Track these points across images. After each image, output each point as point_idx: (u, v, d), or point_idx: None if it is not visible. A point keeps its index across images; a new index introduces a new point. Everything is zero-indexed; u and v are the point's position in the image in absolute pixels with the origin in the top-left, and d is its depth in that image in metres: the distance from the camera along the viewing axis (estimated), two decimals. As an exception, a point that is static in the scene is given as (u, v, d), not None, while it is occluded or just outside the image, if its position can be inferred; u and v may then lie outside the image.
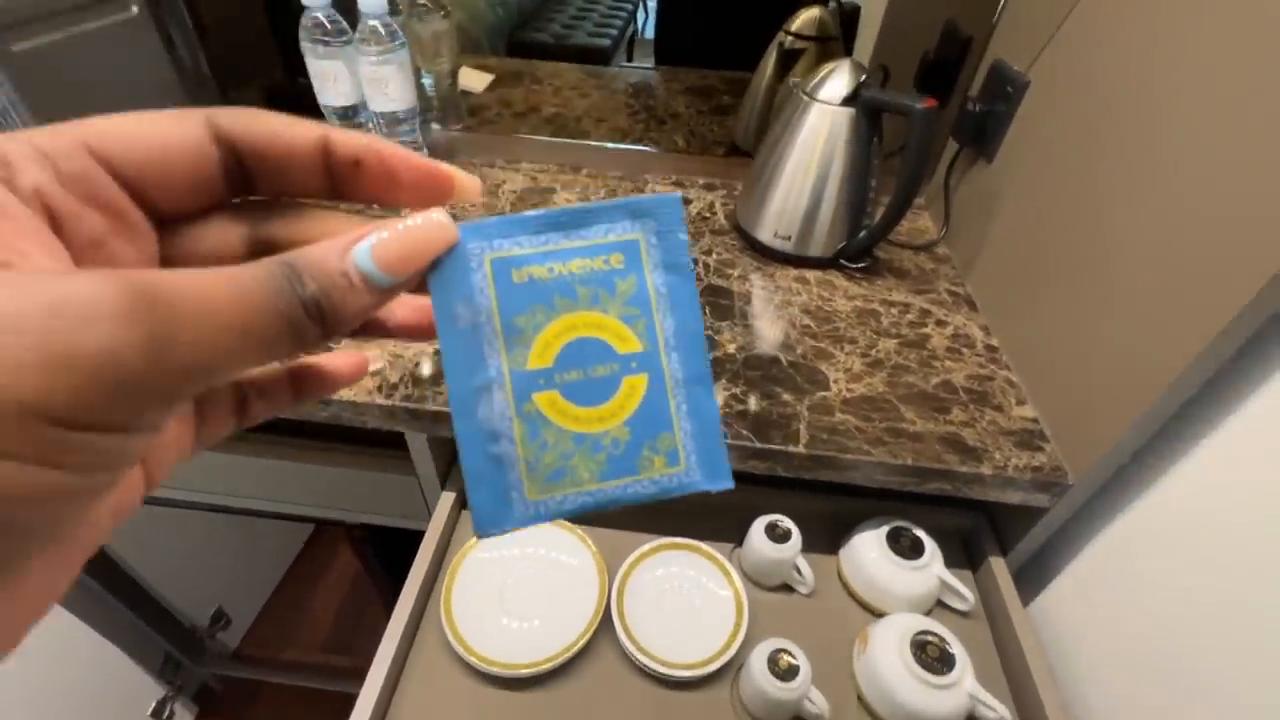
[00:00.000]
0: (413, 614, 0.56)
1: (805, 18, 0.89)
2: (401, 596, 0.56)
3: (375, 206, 0.21)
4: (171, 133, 0.16)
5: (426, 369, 0.61)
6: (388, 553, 1.15)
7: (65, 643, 0.96)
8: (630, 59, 2.19)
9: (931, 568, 0.59)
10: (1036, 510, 0.58)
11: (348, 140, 0.18)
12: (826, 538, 0.65)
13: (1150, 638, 0.49)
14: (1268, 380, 0.43)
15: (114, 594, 0.99)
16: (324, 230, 0.19)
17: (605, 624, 0.56)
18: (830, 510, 0.66)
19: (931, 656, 0.51)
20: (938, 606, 0.61)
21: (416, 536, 0.62)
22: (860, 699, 0.54)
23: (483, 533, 0.20)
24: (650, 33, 1.68)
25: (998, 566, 0.61)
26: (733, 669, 0.56)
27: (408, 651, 0.56)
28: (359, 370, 0.23)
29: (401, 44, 0.79)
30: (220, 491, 0.78)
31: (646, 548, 0.61)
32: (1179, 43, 0.49)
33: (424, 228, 0.18)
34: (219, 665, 1.23)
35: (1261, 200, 0.41)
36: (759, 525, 0.59)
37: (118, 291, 0.12)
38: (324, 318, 0.15)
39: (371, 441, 0.71)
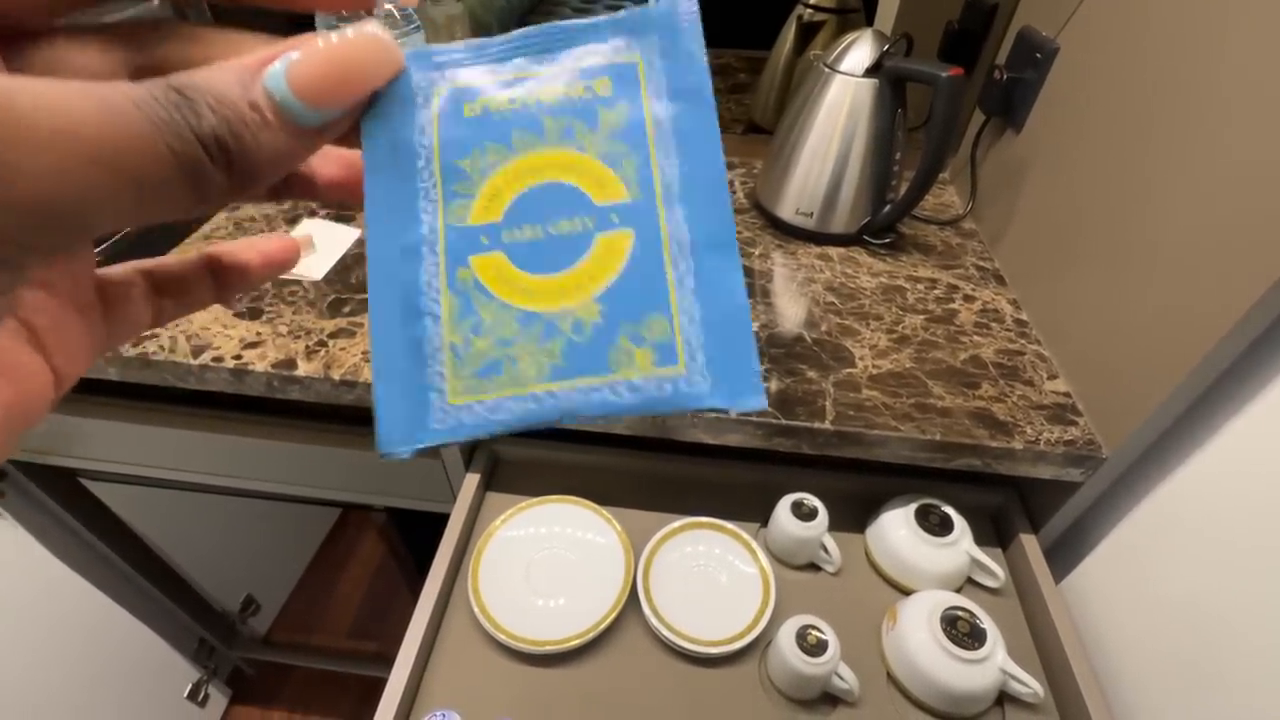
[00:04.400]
0: (441, 593, 0.56)
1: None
2: (429, 575, 0.57)
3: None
4: None
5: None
6: (412, 536, 1.17)
7: (102, 626, 0.98)
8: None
9: (961, 544, 0.58)
10: (1069, 485, 0.57)
11: None
12: (853, 516, 0.64)
13: (1189, 611, 0.48)
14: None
15: (148, 579, 1.02)
16: (228, 53, 0.14)
17: (632, 602, 0.56)
18: (857, 488, 0.65)
19: (962, 631, 0.51)
20: (967, 584, 0.60)
21: (440, 519, 0.62)
22: (889, 675, 0.54)
23: (386, 450, 0.15)
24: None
25: (1028, 543, 0.60)
26: (760, 646, 0.55)
27: (437, 629, 0.56)
28: (287, 255, 0.19)
29: (417, 28, 0.79)
30: (247, 476, 0.79)
31: (672, 526, 0.61)
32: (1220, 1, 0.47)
33: (356, 46, 0.14)
34: (251, 650, 1.26)
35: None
36: (785, 504, 0.59)
37: None
38: (230, 161, 0.12)
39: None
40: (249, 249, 0.19)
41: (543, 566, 0.59)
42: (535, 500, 0.63)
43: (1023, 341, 0.64)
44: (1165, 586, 0.51)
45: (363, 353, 0.60)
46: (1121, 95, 0.56)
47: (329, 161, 0.17)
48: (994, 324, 0.66)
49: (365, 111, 0.16)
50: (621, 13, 0.16)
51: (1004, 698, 0.52)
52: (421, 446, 0.15)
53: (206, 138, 0.12)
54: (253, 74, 0.12)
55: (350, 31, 0.14)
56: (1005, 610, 0.58)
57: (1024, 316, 0.67)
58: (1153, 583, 0.52)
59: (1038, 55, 0.68)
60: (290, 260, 0.19)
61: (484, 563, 0.58)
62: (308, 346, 0.61)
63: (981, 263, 0.75)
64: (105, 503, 0.90)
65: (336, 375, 0.58)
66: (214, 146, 0.12)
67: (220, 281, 0.18)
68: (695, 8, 0.16)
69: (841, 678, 0.51)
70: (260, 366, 0.59)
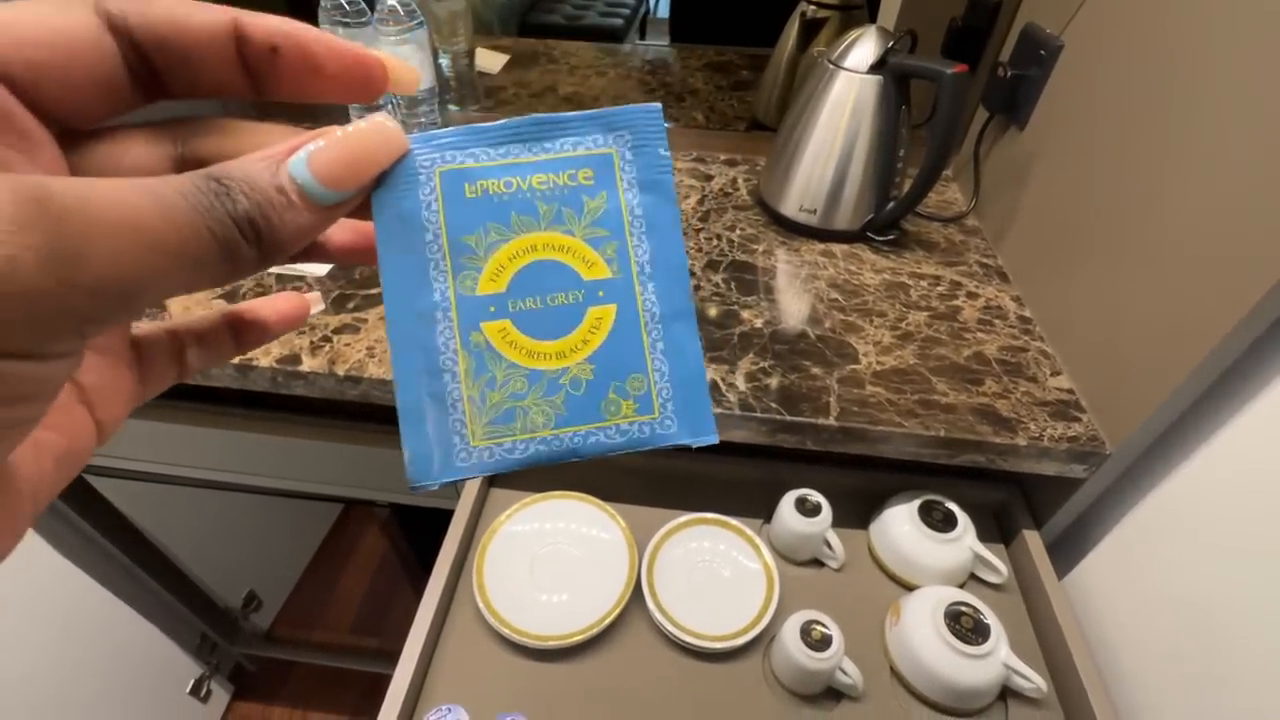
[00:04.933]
0: (445, 588, 0.56)
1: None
2: (434, 571, 0.57)
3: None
4: (57, 21, 0.14)
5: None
6: (414, 533, 1.17)
7: (106, 622, 0.99)
8: (643, 37, 2.17)
9: (964, 540, 0.58)
10: (1072, 482, 0.57)
11: (261, 23, 0.15)
12: (856, 512, 0.65)
13: (1191, 609, 0.48)
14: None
15: (151, 575, 1.02)
16: (257, 144, 0.16)
17: (636, 597, 0.57)
18: (860, 485, 0.66)
19: (965, 627, 0.51)
20: (970, 580, 0.60)
21: (443, 516, 0.62)
22: (893, 670, 0.54)
23: (416, 484, 0.18)
24: (663, 12, 1.66)
25: (1031, 539, 0.60)
26: (764, 641, 0.56)
27: (442, 624, 0.56)
28: (300, 313, 0.21)
29: (420, 23, 0.79)
30: (249, 471, 0.79)
31: (676, 522, 0.61)
32: (1227, -6, 0.47)
33: (367, 134, 0.16)
34: (252, 645, 1.26)
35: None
36: (788, 500, 0.59)
37: (2, 193, 0.10)
38: (260, 238, 0.14)
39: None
40: (266, 307, 0.21)
41: (547, 562, 0.59)
42: (539, 496, 0.63)
43: (1026, 338, 0.64)
44: (1167, 584, 0.51)
45: (367, 348, 0.61)
46: (1126, 92, 0.57)
47: (341, 229, 0.20)
48: (997, 321, 0.66)
49: (375, 188, 0.18)
50: (601, 110, 0.19)
51: (1007, 692, 0.52)
52: (448, 481, 0.18)
53: (241, 220, 0.13)
54: (279, 163, 0.14)
55: (363, 122, 0.16)
56: (1008, 606, 0.58)
57: (1027, 313, 0.67)
58: (1155, 580, 0.52)
59: (1042, 52, 0.68)
60: (302, 316, 0.22)
61: (489, 558, 0.58)
62: (312, 342, 0.61)
63: (985, 260, 0.75)
64: (109, 499, 0.90)
65: (341, 371, 0.58)
66: (247, 227, 0.13)
67: (240, 337, 0.21)
68: (659, 110, 0.19)
69: (845, 672, 0.51)
70: (265, 362, 0.59)
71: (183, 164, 0.16)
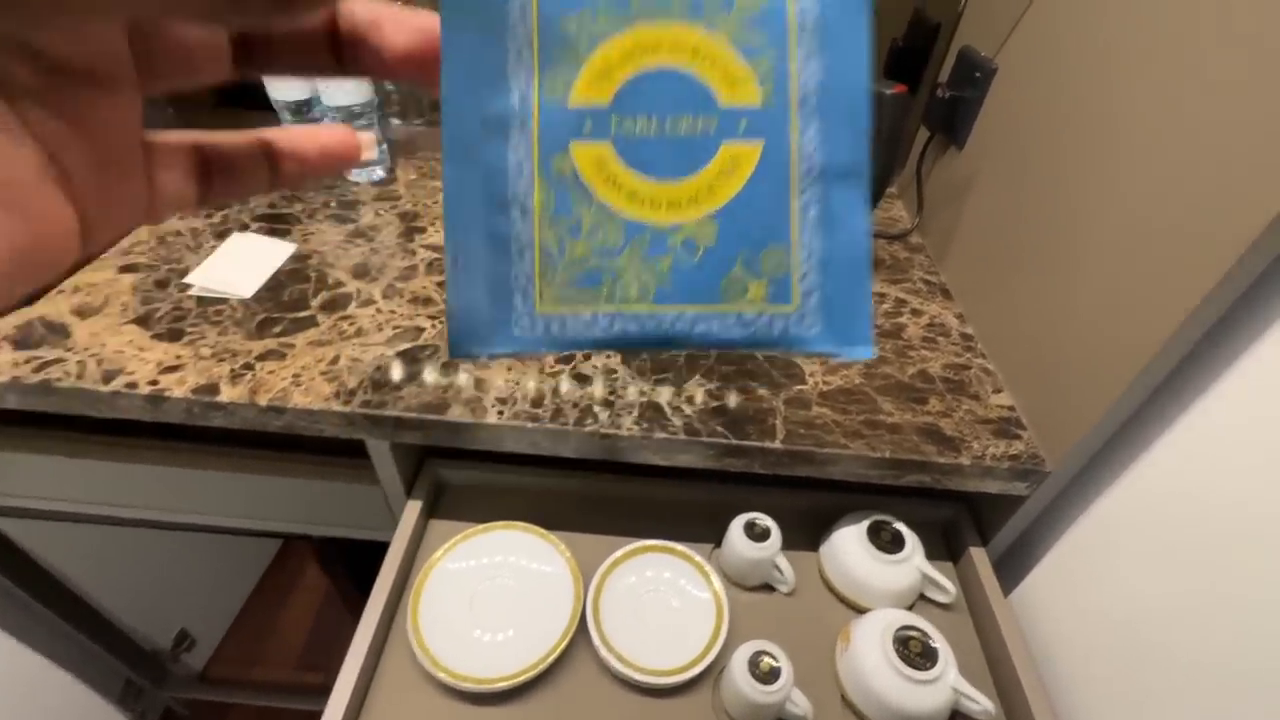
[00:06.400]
0: (379, 629, 0.53)
1: None
2: (366, 612, 0.54)
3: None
4: None
5: (388, 372, 0.58)
6: (357, 566, 1.12)
7: (16, 676, 0.90)
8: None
9: (913, 561, 0.58)
10: (1015, 499, 0.57)
11: None
12: (806, 534, 0.64)
13: (1127, 622, 0.49)
14: (1235, 363, 0.43)
15: (66, 621, 0.94)
16: None
17: (582, 632, 0.54)
18: (809, 506, 0.65)
19: (914, 652, 0.50)
20: (920, 600, 0.60)
21: (385, 548, 0.59)
22: (844, 698, 0.53)
23: (460, 351, 0.14)
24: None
25: (978, 557, 0.60)
26: (714, 673, 0.54)
27: (374, 669, 0.53)
28: (347, 150, 0.17)
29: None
30: (168, 508, 0.74)
31: (622, 551, 0.59)
32: (1142, 23, 0.48)
33: None
34: (184, 688, 1.18)
35: (1226, 185, 0.40)
36: (737, 524, 0.58)
37: None
38: None
39: (332, 451, 0.67)
40: (308, 138, 0.17)
41: (487, 599, 0.56)
42: (480, 528, 0.60)
43: (969, 355, 0.65)
44: (1104, 599, 0.51)
45: (293, 376, 0.57)
46: (1054, 115, 0.58)
47: (401, 29, 0.15)
48: (941, 338, 0.67)
49: None
50: None
51: (956, 716, 0.52)
52: (501, 353, 0.13)
53: None
54: None
55: None
56: (957, 625, 0.58)
57: (970, 330, 0.68)
58: (1092, 595, 0.53)
59: (977, 74, 0.70)
60: (350, 158, 0.17)
61: (425, 597, 0.55)
62: (233, 370, 0.57)
63: (929, 276, 0.76)
64: (12, 538, 0.83)
65: (263, 401, 0.55)
66: None
67: (275, 169, 0.17)
68: None
69: (795, 704, 0.50)
70: (179, 392, 0.55)
71: None
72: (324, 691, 0.49)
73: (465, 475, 0.66)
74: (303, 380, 0.57)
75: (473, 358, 0.13)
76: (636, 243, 0.13)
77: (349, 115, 0.80)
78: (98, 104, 0.14)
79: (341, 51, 0.15)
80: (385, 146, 0.87)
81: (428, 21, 0.15)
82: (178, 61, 0.14)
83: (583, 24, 0.13)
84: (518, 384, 0.57)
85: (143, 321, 0.61)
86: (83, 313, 0.62)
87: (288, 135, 0.17)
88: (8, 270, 0.12)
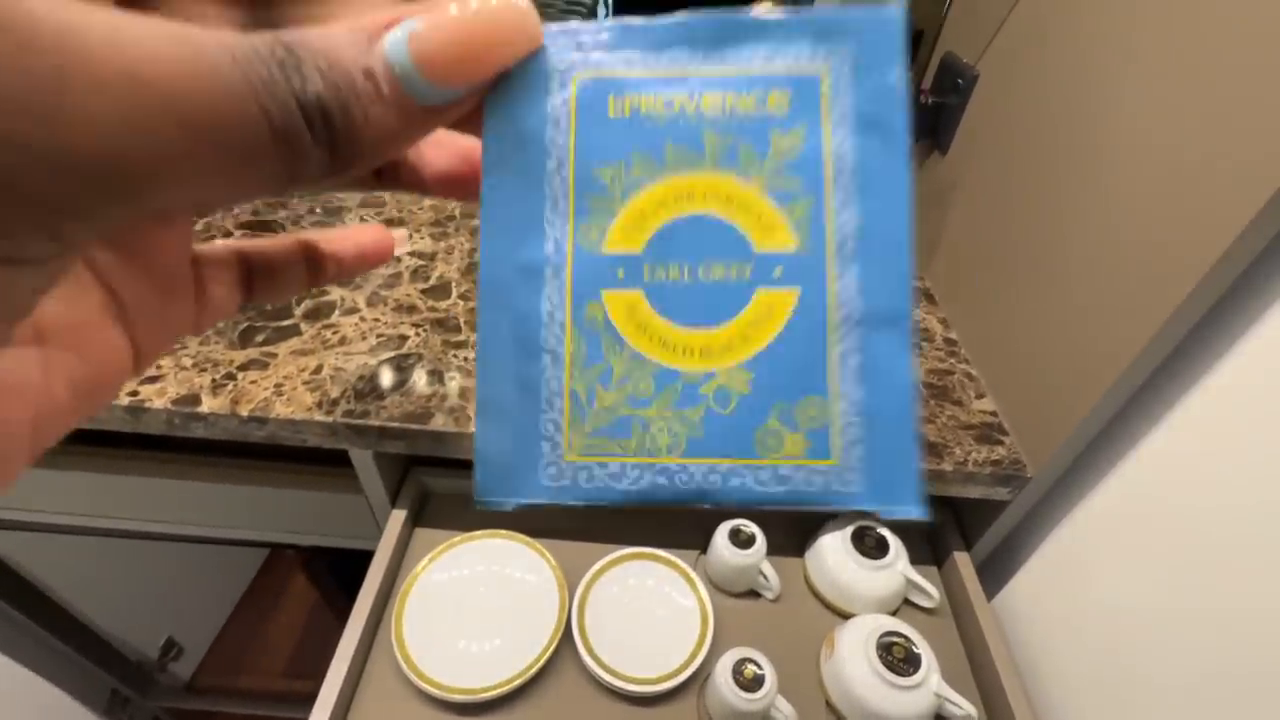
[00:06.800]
0: (362, 640, 0.53)
1: (758, 11, 0.87)
2: (349, 623, 0.53)
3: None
4: None
5: (372, 381, 0.57)
6: (344, 574, 1.11)
7: (0, 688, 0.89)
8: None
9: (897, 566, 0.58)
10: (998, 504, 0.58)
11: None
12: (792, 540, 0.64)
13: (1108, 625, 0.49)
14: (1214, 368, 0.43)
15: (52, 633, 0.93)
16: (355, 11, 0.12)
17: (567, 641, 0.54)
18: (794, 512, 0.65)
19: (898, 657, 0.51)
20: (904, 605, 0.60)
21: (371, 557, 0.59)
22: (828, 704, 0.53)
23: (485, 499, 0.13)
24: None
25: (962, 561, 0.61)
26: (698, 681, 0.54)
27: (358, 679, 0.53)
28: (383, 250, 0.18)
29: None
30: (161, 519, 0.73)
31: (607, 559, 0.59)
32: (1123, 32, 0.49)
33: (493, 14, 0.12)
34: (171, 698, 1.17)
35: (1203, 193, 0.41)
36: (722, 531, 0.58)
37: None
38: (333, 136, 0.10)
39: (316, 460, 0.67)
40: (345, 240, 0.17)
41: (472, 608, 0.56)
42: (465, 536, 0.60)
43: (952, 360, 0.65)
44: (1087, 601, 0.52)
45: (275, 385, 0.57)
46: (1034, 121, 0.58)
47: (442, 151, 0.15)
48: (925, 343, 0.67)
49: (490, 93, 0.13)
50: (811, 9, 0.14)
51: (940, 721, 0.52)
52: (528, 503, 0.13)
53: (310, 105, 0.10)
54: (373, 38, 0.11)
55: (487, 1, 0.12)
56: (941, 629, 0.59)
57: (953, 335, 0.68)
58: (1076, 597, 0.53)
59: (959, 81, 0.70)
60: (385, 254, 0.18)
61: (409, 608, 0.55)
62: (214, 380, 0.57)
63: (913, 282, 0.76)
64: (-6, 550, 0.82)
65: (245, 411, 0.54)
66: (317, 116, 0.10)
67: (313, 270, 0.17)
68: (899, 18, 0.13)
69: (780, 710, 0.50)
70: (159, 403, 0.54)
71: (258, 28, 0.12)
72: (311, 700, 0.48)
73: (450, 484, 0.66)
74: (285, 390, 0.56)
75: (499, 506, 0.13)
76: (668, 391, 0.13)
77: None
78: (156, 236, 0.14)
79: (381, 170, 0.16)
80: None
81: (468, 144, 0.16)
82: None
83: (618, 174, 0.13)
84: (502, 392, 0.57)
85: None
86: (62, 323, 0.61)
87: (326, 238, 0.17)
88: (67, 405, 0.12)
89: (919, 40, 0.82)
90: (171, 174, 0.09)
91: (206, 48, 0.09)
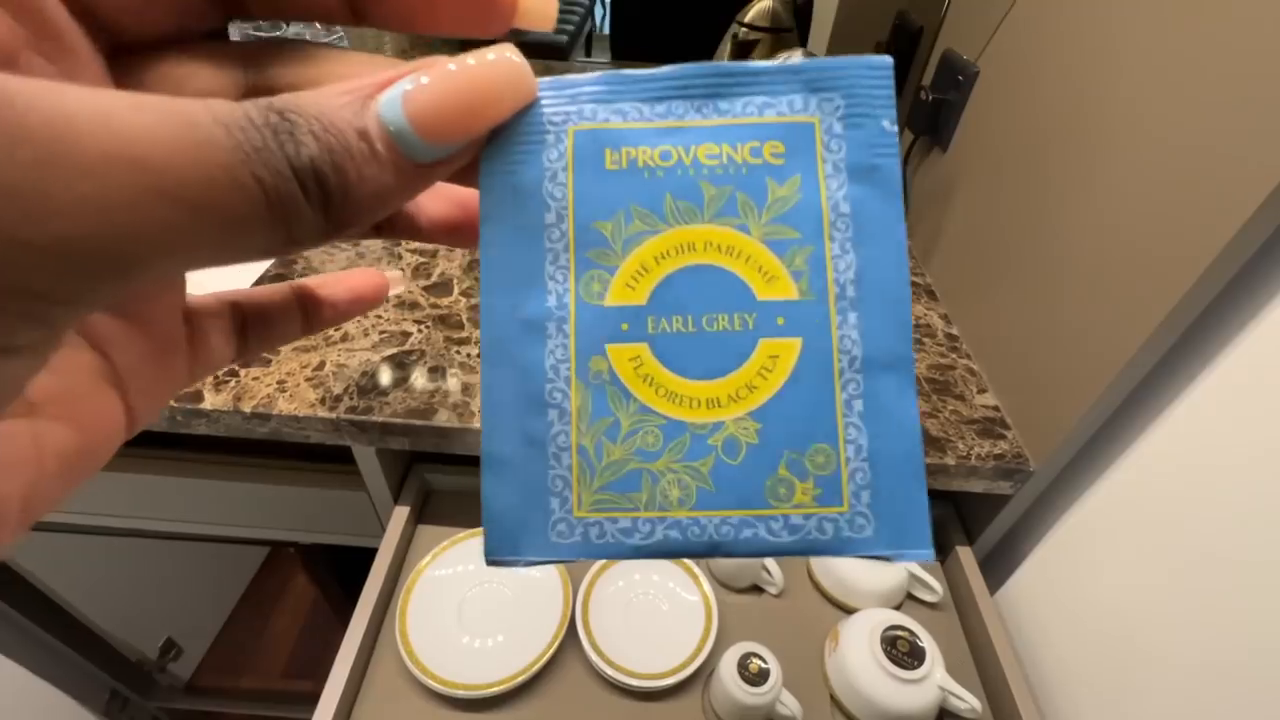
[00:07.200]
0: (366, 637, 0.53)
1: (758, 9, 0.88)
2: (353, 619, 0.53)
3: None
4: None
5: (374, 378, 0.57)
6: (344, 572, 1.11)
7: (0, 689, 0.89)
8: (589, 54, 2.17)
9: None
10: (1000, 498, 0.58)
11: None
12: (795, 535, 0.64)
13: (1110, 618, 0.49)
14: (1214, 362, 0.43)
15: (49, 632, 0.93)
16: (347, 73, 0.13)
17: (571, 636, 0.54)
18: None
19: (902, 651, 0.51)
20: (908, 599, 0.60)
21: (373, 554, 0.58)
22: (833, 698, 0.54)
23: (496, 559, 0.13)
24: (609, 28, 1.67)
25: (964, 555, 0.61)
26: (703, 676, 0.54)
27: (362, 676, 0.52)
28: (378, 293, 0.18)
29: (339, 37, 0.75)
30: (160, 517, 0.73)
31: (612, 555, 0.59)
32: (1122, 29, 0.49)
33: (486, 71, 0.12)
34: (171, 698, 1.17)
35: (1202, 188, 0.41)
36: (726, 526, 0.58)
37: None
38: (328, 198, 0.10)
39: (318, 457, 0.67)
40: (338, 284, 0.17)
41: (476, 604, 0.56)
42: (468, 533, 0.60)
43: (954, 356, 0.65)
44: (1090, 594, 0.52)
45: (278, 382, 0.56)
46: (1034, 118, 0.59)
47: (438, 199, 0.16)
48: (926, 339, 0.67)
49: (486, 147, 0.13)
50: (800, 60, 0.14)
51: (944, 714, 0.52)
52: (537, 561, 0.13)
53: (304, 170, 0.10)
54: (366, 99, 0.11)
55: (485, 54, 0.12)
56: (944, 624, 0.59)
57: (954, 331, 0.69)
58: (1078, 591, 0.53)
59: (960, 78, 0.70)
60: (380, 296, 0.18)
61: (413, 603, 0.55)
62: (217, 377, 0.56)
63: (914, 278, 0.76)
64: (-7, 550, 0.81)
65: (248, 408, 0.54)
66: (311, 181, 0.10)
67: (308, 316, 0.17)
68: (888, 67, 0.14)
69: (784, 704, 0.50)
70: (161, 400, 0.54)
71: (253, 93, 0.12)
72: (312, 699, 0.48)
73: (453, 480, 0.66)
74: (288, 386, 0.56)
75: (510, 565, 0.13)
76: (676, 444, 0.13)
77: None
78: (152, 299, 0.13)
79: (379, 222, 0.16)
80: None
81: (464, 194, 0.16)
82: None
83: (618, 227, 0.13)
84: (505, 388, 0.57)
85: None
86: (62, 320, 0.61)
87: (319, 283, 0.17)
88: (58, 477, 0.11)
89: (919, 37, 0.82)
90: (165, 250, 0.09)
91: (199, 120, 0.09)
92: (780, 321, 0.13)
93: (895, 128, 0.14)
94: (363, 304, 0.18)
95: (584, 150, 0.13)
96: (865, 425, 0.13)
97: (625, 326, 0.13)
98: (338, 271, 0.18)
